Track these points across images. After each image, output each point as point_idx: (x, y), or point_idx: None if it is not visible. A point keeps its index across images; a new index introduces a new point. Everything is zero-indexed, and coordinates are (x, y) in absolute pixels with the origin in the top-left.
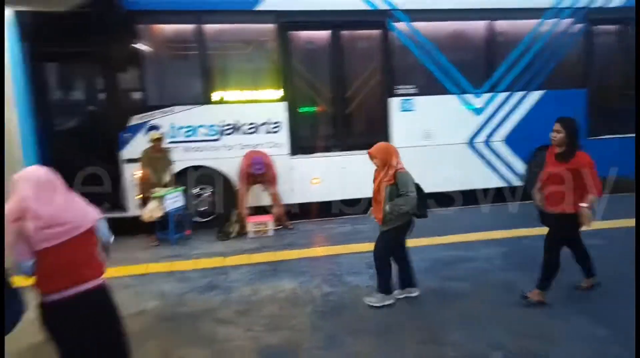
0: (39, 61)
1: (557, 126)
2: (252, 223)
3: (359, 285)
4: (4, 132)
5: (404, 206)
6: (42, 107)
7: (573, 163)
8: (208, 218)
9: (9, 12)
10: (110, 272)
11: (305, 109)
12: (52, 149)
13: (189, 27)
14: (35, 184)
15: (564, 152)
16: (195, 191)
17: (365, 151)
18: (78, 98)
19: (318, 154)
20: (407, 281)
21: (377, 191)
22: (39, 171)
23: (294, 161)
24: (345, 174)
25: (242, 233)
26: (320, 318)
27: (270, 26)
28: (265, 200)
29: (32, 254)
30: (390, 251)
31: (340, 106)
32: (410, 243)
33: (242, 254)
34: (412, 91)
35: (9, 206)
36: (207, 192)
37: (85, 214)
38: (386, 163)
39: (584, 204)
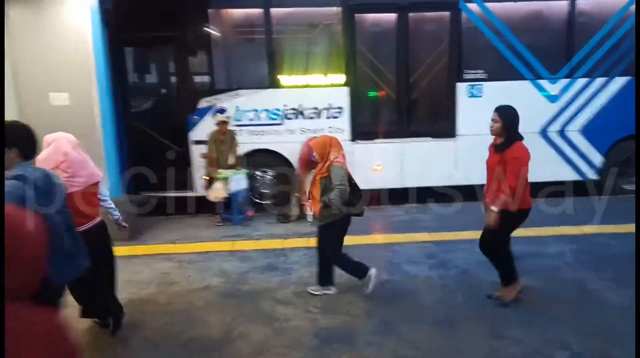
0: (119, 45)
1: (494, 115)
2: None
3: (417, 275)
4: (4, 131)
5: (334, 200)
6: (120, 90)
7: (506, 154)
8: (269, 201)
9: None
10: (177, 248)
11: (368, 94)
12: (128, 129)
13: (256, 11)
14: (71, 145)
15: (501, 143)
16: (258, 173)
17: (429, 138)
18: (152, 81)
19: (379, 140)
20: (328, 279)
21: (312, 184)
22: (70, 135)
23: (355, 146)
24: (407, 161)
25: (301, 216)
26: (376, 305)
27: (336, 9)
28: None
29: None
30: (334, 244)
31: (405, 91)
32: (476, 235)
33: (301, 237)
34: (481, 76)
35: (46, 156)
36: (269, 175)
37: (94, 172)
38: (324, 156)
39: (493, 207)
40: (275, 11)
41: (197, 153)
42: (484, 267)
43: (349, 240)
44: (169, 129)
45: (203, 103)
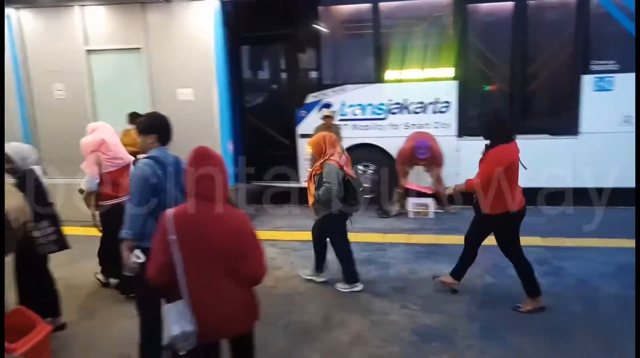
0: (236, 45)
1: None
2: (413, 204)
3: None
4: (4, 130)
5: (322, 196)
6: (236, 86)
7: (487, 154)
8: (370, 195)
9: (215, 3)
10: (282, 235)
11: (478, 87)
12: (242, 121)
13: (364, 5)
14: (109, 131)
15: (488, 145)
16: (360, 168)
17: (546, 136)
18: (265, 77)
19: None
20: (320, 267)
21: (307, 180)
22: (109, 125)
23: (462, 142)
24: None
25: (402, 212)
26: (478, 308)
27: (447, 0)
28: (428, 181)
29: (99, 175)
30: (335, 237)
31: (520, 85)
32: (597, 243)
33: (401, 233)
34: (612, 67)
35: (89, 141)
36: (371, 169)
37: (126, 154)
38: (320, 153)
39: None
40: (383, 5)
41: (303, 146)
42: (606, 279)
43: (453, 240)
44: (278, 123)
45: (310, 98)
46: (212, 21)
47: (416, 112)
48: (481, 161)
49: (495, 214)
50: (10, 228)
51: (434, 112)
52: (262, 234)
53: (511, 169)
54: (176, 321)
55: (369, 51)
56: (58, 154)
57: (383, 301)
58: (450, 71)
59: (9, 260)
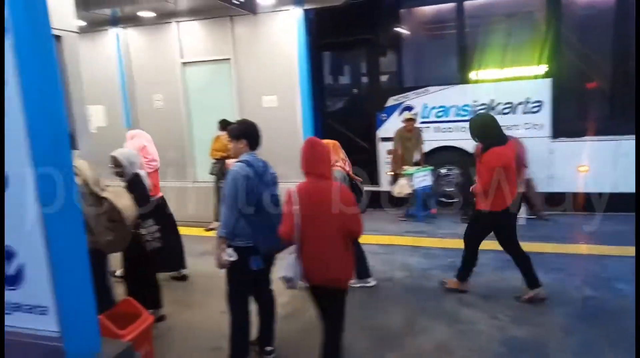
0: (318, 51)
1: None
2: None
3: (629, 295)
4: (4, 131)
5: None
6: (317, 91)
7: (482, 158)
8: (454, 199)
9: (298, 11)
10: (361, 239)
11: (574, 85)
12: (323, 125)
13: (448, 5)
14: (147, 138)
15: (482, 148)
16: (443, 171)
17: None
18: (345, 82)
19: (586, 137)
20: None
21: None
22: (145, 133)
23: (556, 144)
24: (620, 162)
25: None
26: (575, 322)
27: None
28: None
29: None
30: None
31: (621, 82)
32: None
33: (489, 239)
34: None
35: (134, 147)
36: (454, 173)
37: (157, 158)
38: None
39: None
40: (469, 4)
41: (383, 150)
42: None
43: (548, 248)
44: (358, 127)
45: (391, 101)
46: (295, 30)
47: (504, 113)
48: (477, 164)
49: (496, 211)
50: (124, 226)
51: (524, 112)
52: None
53: (507, 170)
54: (285, 269)
55: (453, 52)
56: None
57: (470, 310)
58: (543, 69)
59: (118, 255)
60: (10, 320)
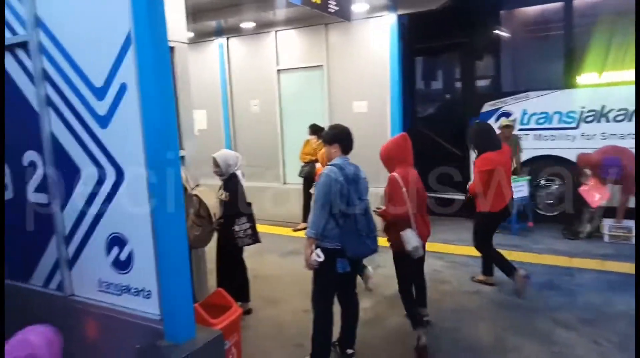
0: (410, 56)
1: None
2: (610, 226)
3: None
4: (4, 133)
5: None
6: (408, 97)
7: (475, 163)
8: (554, 213)
9: (392, 17)
10: (450, 249)
11: None
12: (413, 131)
13: (556, 4)
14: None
15: (477, 154)
16: (543, 182)
17: None
18: (437, 87)
19: None
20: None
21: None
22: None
23: None
24: None
25: (594, 234)
26: None
27: None
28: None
29: None
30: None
31: None
32: None
33: (592, 258)
34: None
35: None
36: (556, 184)
37: None
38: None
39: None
40: (578, 2)
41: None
42: None
43: None
44: (450, 133)
45: (487, 107)
46: (388, 35)
47: (617, 121)
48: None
49: (495, 211)
50: (210, 223)
51: None
52: (428, 245)
53: (497, 173)
54: (414, 239)
55: (559, 54)
56: (252, 161)
57: (568, 332)
58: None
59: (205, 249)
60: (119, 300)
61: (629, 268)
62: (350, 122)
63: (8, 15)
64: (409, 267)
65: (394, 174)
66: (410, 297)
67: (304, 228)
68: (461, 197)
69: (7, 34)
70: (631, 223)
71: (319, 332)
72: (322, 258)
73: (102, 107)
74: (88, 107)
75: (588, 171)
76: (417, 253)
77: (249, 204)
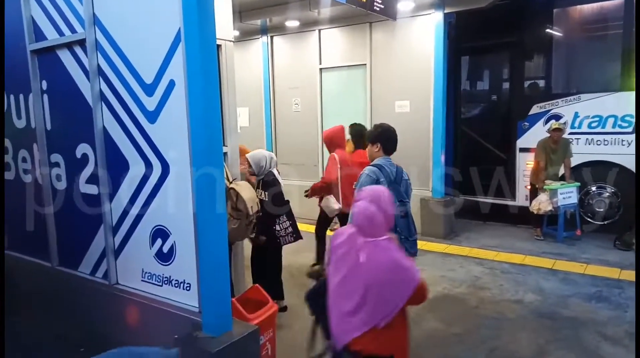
0: (456, 55)
1: None
2: None
3: None
4: (4, 134)
5: None
6: (453, 97)
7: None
8: (605, 221)
9: (439, 15)
10: (491, 255)
11: None
12: (457, 132)
13: (610, 3)
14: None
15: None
16: (594, 189)
17: None
18: (484, 88)
19: None
20: None
21: None
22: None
23: None
24: None
25: None
26: None
27: None
28: None
29: None
30: None
31: None
32: None
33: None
34: None
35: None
36: (608, 192)
37: None
38: None
39: None
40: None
41: (522, 161)
42: None
43: None
44: (495, 135)
45: (535, 109)
46: (433, 34)
47: None
48: None
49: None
50: (247, 216)
51: None
52: (469, 250)
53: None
54: (334, 204)
55: (614, 55)
56: (293, 159)
57: (615, 348)
58: None
59: (243, 245)
60: (160, 291)
61: None
62: (393, 122)
63: (67, 13)
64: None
65: (334, 153)
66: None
67: None
68: (512, 203)
69: (67, 32)
70: None
71: None
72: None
73: (151, 103)
74: (138, 102)
75: None
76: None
77: (287, 201)
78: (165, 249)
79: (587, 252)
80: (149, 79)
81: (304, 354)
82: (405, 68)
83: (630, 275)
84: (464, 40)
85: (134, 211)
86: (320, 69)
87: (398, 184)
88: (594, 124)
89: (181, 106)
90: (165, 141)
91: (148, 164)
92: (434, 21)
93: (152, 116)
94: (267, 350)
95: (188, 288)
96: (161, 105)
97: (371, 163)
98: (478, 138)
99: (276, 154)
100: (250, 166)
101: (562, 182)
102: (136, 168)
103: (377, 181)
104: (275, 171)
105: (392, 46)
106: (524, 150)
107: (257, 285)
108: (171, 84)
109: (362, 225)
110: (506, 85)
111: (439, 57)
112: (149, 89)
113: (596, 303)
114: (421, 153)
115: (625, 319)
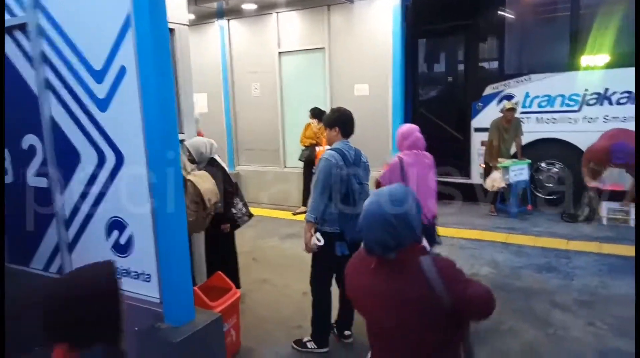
0: (413, 38)
1: None
2: (608, 209)
3: None
4: (4, 134)
5: None
6: (411, 80)
7: None
8: (553, 196)
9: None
10: (449, 232)
11: None
12: (415, 114)
13: None
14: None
15: None
16: (543, 165)
17: None
18: (440, 70)
19: None
20: None
21: None
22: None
23: None
24: None
25: (591, 218)
26: None
27: None
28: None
29: None
30: None
31: None
32: None
33: (590, 241)
34: None
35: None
36: (556, 168)
37: None
38: None
39: None
40: None
41: (477, 141)
42: None
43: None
44: (451, 116)
45: (489, 90)
46: (391, 17)
47: (621, 103)
48: None
49: None
50: (204, 208)
51: None
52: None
53: None
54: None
55: (563, 36)
56: (254, 145)
57: (564, 314)
58: None
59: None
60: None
61: (627, 250)
62: (352, 106)
63: None
64: None
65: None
66: None
67: (304, 212)
68: (468, 181)
69: (6, 16)
70: (630, 205)
71: (318, 314)
72: (322, 243)
73: (101, 91)
74: (87, 90)
75: (597, 169)
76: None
77: (235, 183)
78: (123, 241)
79: (538, 225)
80: (98, 65)
81: (268, 339)
82: (364, 52)
83: (576, 245)
84: (420, 24)
85: (88, 203)
86: (279, 52)
87: (357, 166)
88: (543, 104)
89: (133, 93)
90: (118, 129)
91: (101, 154)
92: (391, 4)
93: (103, 104)
94: (232, 336)
95: (148, 280)
96: (112, 92)
97: (330, 147)
98: (435, 119)
99: (237, 141)
100: (190, 154)
101: (514, 160)
102: (88, 159)
103: (336, 165)
104: (217, 157)
105: (350, 30)
106: (478, 130)
107: (219, 272)
108: (122, 71)
109: None
110: (462, 67)
111: (396, 40)
112: (99, 76)
113: (546, 273)
114: (380, 135)
115: (572, 287)
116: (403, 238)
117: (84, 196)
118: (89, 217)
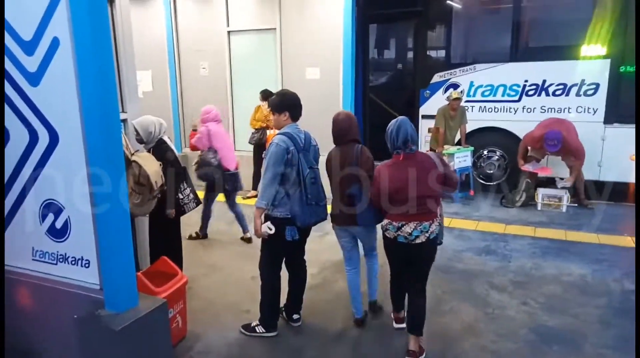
0: (364, 24)
1: None
2: (543, 195)
3: None
4: (4, 133)
5: None
6: (361, 65)
7: None
8: (494, 182)
9: None
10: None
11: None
12: (365, 100)
13: None
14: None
15: None
16: (485, 152)
17: None
18: (390, 57)
19: None
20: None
21: None
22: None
23: (608, 130)
24: None
25: (529, 203)
26: (614, 315)
27: None
28: (563, 172)
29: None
30: None
31: None
32: None
33: (526, 225)
34: None
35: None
36: (497, 155)
37: None
38: None
39: None
40: None
41: (424, 128)
42: None
43: (586, 237)
44: (400, 103)
45: (436, 78)
46: (342, 1)
47: (556, 95)
48: None
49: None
50: (151, 191)
51: (578, 95)
52: None
53: None
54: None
55: (506, 28)
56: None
57: (500, 295)
58: (603, 49)
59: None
60: (55, 270)
61: (558, 234)
62: (303, 89)
63: None
64: None
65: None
66: None
67: (254, 196)
68: None
69: None
70: (562, 192)
71: (267, 298)
72: (272, 231)
73: (32, 64)
74: (16, 62)
75: (531, 153)
76: None
77: (184, 168)
78: (59, 225)
79: (480, 210)
80: (27, 35)
81: (215, 324)
82: (315, 35)
83: (513, 229)
84: (372, 8)
85: (19, 184)
86: (229, 31)
87: (307, 151)
88: (486, 93)
89: (68, 66)
90: (52, 106)
91: (32, 133)
92: None
93: (34, 78)
94: (178, 322)
95: (87, 265)
96: (44, 65)
97: (280, 131)
98: (384, 105)
99: (184, 122)
100: (137, 133)
101: (458, 147)
102: (18, 137)
103: (287, 150)
104: (166, 138)
105: (301, 11)
106: (426, 117)
107: (164, 257)
108: (55, 42)
109: None
110: (411, 54)
111: (347, 24)
112: (29, 48)
113: (485, 256)
114: (330, 119)
115: (509, 269)
116: (417, 139)
117: (14, 177)
118: (20, 200)
